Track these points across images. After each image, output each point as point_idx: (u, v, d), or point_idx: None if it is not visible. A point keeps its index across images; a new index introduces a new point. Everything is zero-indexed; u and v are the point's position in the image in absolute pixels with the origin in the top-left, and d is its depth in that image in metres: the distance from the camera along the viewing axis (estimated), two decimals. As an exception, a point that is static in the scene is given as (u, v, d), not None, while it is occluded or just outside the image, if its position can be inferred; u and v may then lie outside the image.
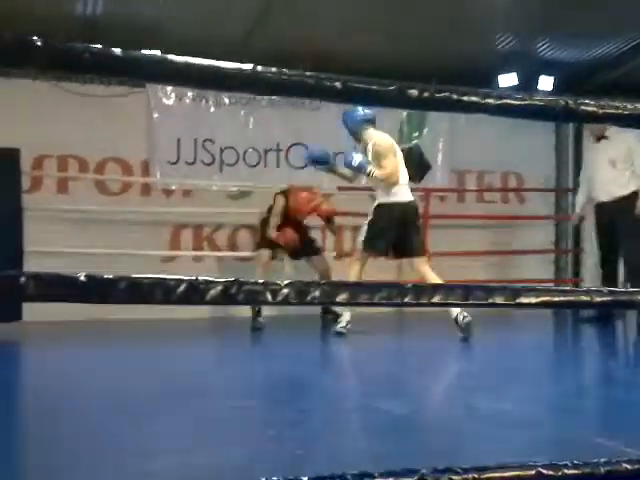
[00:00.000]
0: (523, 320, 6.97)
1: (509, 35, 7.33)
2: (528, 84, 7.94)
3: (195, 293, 1.29)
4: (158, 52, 1.36)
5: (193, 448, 2.25)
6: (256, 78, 1.35)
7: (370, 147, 5.48)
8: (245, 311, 6.33)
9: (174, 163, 7.47)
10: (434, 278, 5.21)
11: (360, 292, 1.35)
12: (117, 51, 1.25)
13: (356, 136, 5.62)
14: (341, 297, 1.33)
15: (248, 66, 1.33)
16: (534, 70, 8.05)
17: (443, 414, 2.99)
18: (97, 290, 1.25)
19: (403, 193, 5.47)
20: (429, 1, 6.49)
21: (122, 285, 1.26)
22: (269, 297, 1.32)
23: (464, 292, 1.37)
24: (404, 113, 8.12)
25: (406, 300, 1.35)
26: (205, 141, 7.57)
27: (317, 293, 1.33)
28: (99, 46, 1.24)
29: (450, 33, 6.97)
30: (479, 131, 7.76)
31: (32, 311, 5.54)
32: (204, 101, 7.60)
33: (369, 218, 5.52)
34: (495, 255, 8.12)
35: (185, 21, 6.59)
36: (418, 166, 8.15)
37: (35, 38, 1.22)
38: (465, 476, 1.28)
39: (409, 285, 1.36)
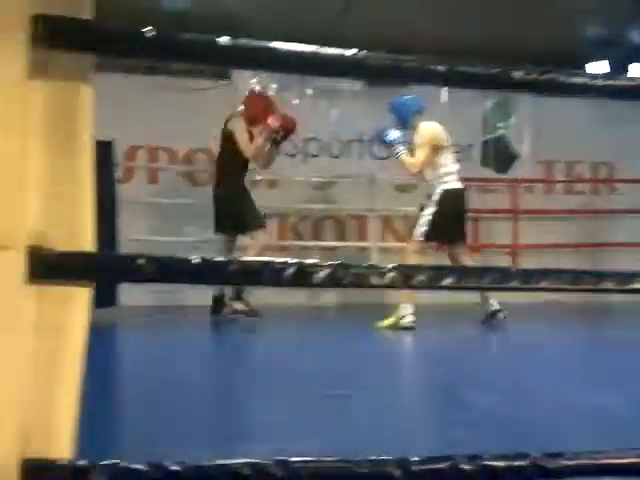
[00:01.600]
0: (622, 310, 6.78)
1: (600, 22, 7.11)
2: (618, 72, 7.69)
3: (303, 276, 1.31)
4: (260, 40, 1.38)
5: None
6: (359, 63, 1.35)
7: (417, 135, 5.57)
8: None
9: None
10: None
11: (466, 276, 1.34)
12: (224, 40, 1.28)
13: (405, 125, 5.65)
14: (447, 281, 1.33)
15: (351, 51, 1.33)
16: (624, 57, 7.79)
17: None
18: (209, 272, 1.28)
19: (455, 180, 5.56)
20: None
21: (233, 267, 1.29)
22: (375, 280, 1.33)
23: (573, 277, 1.35)
24: (489, 103, 7.99)
25: (513, 284, 1.33)
26: (289, 132, 7.64)
27: (422, 277, 1.33)
28: (207, 36, 1.27)
29: (539, 20, 6.81)
30: (567, 120, 7.56)
31: (126, 297, 5.77)
32: (287, 92, 7.66)
33: (432, 207, 5.48)
34: (585, 248, 7.90)
35: (268, 12, 6.65)
36: (504, 156, 8.02)
37: (147, 29, 1.26)
38: (578, 461, 1.27)
39: (516, 269, 1.35)
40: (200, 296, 5.87)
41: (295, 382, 3.32)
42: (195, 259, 1.27)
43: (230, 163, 5.84)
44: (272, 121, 5.85)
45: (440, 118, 7.57)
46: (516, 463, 1.33)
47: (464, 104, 7.47)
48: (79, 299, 1.26)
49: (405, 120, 5.66)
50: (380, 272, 1.32)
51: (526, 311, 5.72)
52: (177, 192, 7.10)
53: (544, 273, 1.34)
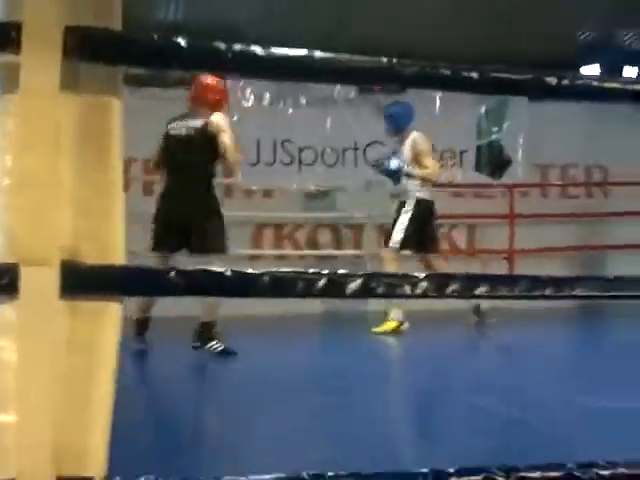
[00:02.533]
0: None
1: (591, 25, 7.15)
2: (611, 75, 7.73)
3: (335, 287, 1.30)
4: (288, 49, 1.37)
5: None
6: (389, 71, 1.35)
7: (410, 145, 5.61)
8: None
9: (254, 164, 7.55)
10: None
11: (500, 284, 1.33)
12: (258, 50, 1.27)
13: (401, 133, 5.70)
14: (480, 290, 1.32)
15: (383, 59, 1.33)
16: (617, 61, 7.83)
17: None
18: (242, 284, 1.27)
19: (429, 190, 5.70)
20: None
21: (265, 279, 1.27)
22: (408, 290, 1.32)
23: (606, 284, 1.34)
24: (483, 108, 8.02)
25: (547, 292, 1.32)
26: (284, 142, 7.65)
27: (456, 286, 1.32)
28: (241, 45, 1.26)
29: (530, 24, 6.83)
30: (561, 124, 7.59)
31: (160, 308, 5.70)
32: (282, 102, 7.67)
33: (409, 214, 5.55)
34: (580, 251, 7.91)
35: (264, 22, 6.65)
36: (498, 161, 8.04)
37: (180, 39, 1.25)
38: (614, 471, 1.26)
39: (549, 277, 1.34)
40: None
41: (304, 391, 3.31)
42: (226, 272, 1.26)
43: (206, 169, 4.85)
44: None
45: (434, 124, 7.63)
46: (551, 474, 1.32)
47: (458, 110, 7.49)
48: (111, 314, 1.24)
49: (401, 128, 5.69)
50: (413, 282, 1.31)
51: (526, 316, 5.71)
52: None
53: (576, 280, 1.34)
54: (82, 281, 1.20)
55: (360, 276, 1.32)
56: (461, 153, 8.01)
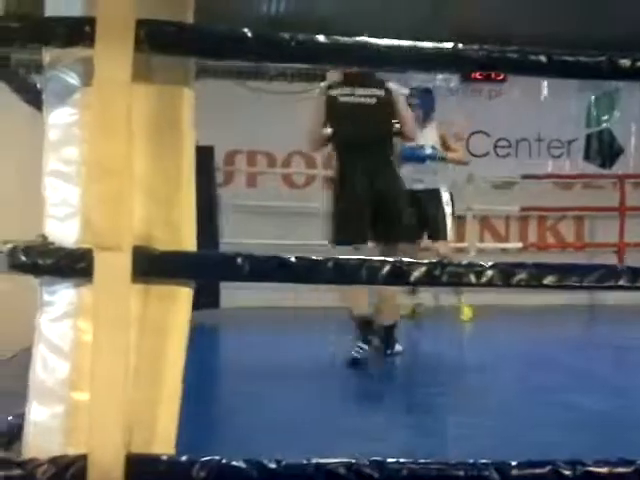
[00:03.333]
0: None
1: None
2: None
3: (399, 274, 1.30)
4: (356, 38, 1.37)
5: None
6: (458, 56, 1.33)
7: (436, 130, 5.48)
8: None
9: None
10: None
11: (570, 274, 1.29)
12: (321, 38, 1.28)
13: (430, 117, 5.55)
14: (549, 279, 1.28)
15: (448, 44, 1.31)
16: None
17: None
18: (306, 270, 1.29)
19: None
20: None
21: (329, 265, 1.29)
22: (473, 279, 1.30)
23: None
24: (592, 96, 7.73)
25: (620, 283, 1.27)
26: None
27: (523, 275, 1.29)
28: (307, 34, 1.27)
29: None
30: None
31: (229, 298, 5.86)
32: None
33: (450, 206, 5.46)
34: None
35: (359, 14, 6.63)
36: (609, 151, 7.73)
37: (246, 30, 1.28)
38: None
39: (624, 267, 1.29)
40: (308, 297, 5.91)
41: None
42: (291, 258, 1.28)
43: (390, 144, 4.26)
44: None
45: (541, 112, 7.40)
46: (620, 469, 1.27)
47: (566, 97, 7.26)
48: (181, 298, 1.29)
49: (430, 115, 5.60)
50: (477, 270, 1.29)
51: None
52: (275, 195, 7.18)
53: (654, 270, 1.28)
54: (153, 266, 1.25)
55: (425, 264, 1.31)
56: (569, 142, 7.75)
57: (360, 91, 4.15)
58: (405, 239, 4.03)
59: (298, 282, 1.33)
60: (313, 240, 6.92)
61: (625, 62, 1.28)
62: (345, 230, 4.00)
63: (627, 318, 5.71)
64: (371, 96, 4.15)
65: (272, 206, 7.08)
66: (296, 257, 1.27)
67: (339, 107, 4.13)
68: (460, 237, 7.56)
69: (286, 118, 7.13)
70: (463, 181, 7.31)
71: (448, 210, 5.48)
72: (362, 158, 3.99)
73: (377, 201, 3.99)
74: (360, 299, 4.03)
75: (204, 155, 6.08)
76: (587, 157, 7.76)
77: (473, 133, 7.58)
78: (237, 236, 6.59)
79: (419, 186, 5.33)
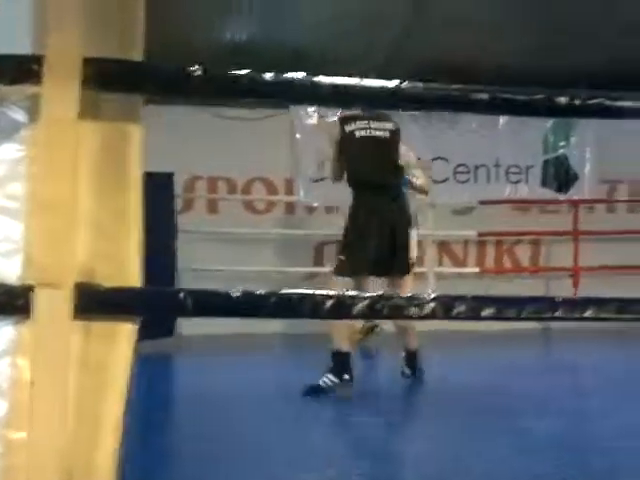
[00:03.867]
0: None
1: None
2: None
3: (342, 308, 1.32)
4: (304, 74, 1.40)
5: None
6: (401, 94, 1.37)
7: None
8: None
9: (317, 181, 7.62)
10: None
11: (507, 306, 1.33)
12: (268, 76, 1.31)
13: None
14: (487, 312, 1.32)
15: (393, 82, 1.35)
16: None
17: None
18: (249, 305, 1.30)
19: None
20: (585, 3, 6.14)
21: (272, 300, 1.30)
22: (414, 311, 1.33)
23: (619, 306, 1.32)
24: (549, 122, 7.90)
25: (557, 315, 1.31)
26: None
27: (463, 308, 1.32)
28: (254, 72, 1.30)
29: (612, 35, 6.61)
30: (629, 139, 7.39)
31: (188, 325, 5.80)
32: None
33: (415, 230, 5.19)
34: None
35: (328, 42, 6.72)
36: (565, 176, 7.89)
37: (194, 68, 1.30)
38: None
39: (560, 299, 1.33)
40: (266, 324, 5.88)
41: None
42: (235, 292, 1.29)
43: (400, 177, 4.34)
44: None
45: (499, 138, 7.54)
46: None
47: (524, 124, 7.40)
48: (124, 335, 1.29)
49: None
50: (419, 303, 1.32)
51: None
52: (236, 221, 7.18)
53: (587, 302, 1.32)
54: (96, 302, 1.26)
55: (367, 297, 1.33)
56: (527, 168, 7.90)
57: (375, 124, 4.22)
58: (407, 272, 4.18)
59: (242, 317, 1.34)
60: (274, 267, 6.96)
61: (562, 100, 1.32)
62: (350, 263, 4.07)
63: (578, 340, 5.79)
64: (384, 129, 4.23)
65: (233, 232, 7.08)
66: (240, 291, 1.28)
67: (356, 142, 4.18)
68: (419, 262, 7.64)
69: (247, 144, 7.17)
70: (424, 206, 7.41)
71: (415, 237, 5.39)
72: (377, 194, 4.11)
73: (386, 237, 4.09)
74: (343, 333, 4.05)
75: (163, 182, 6.08)
76: (544, 183, 7.90)
77: (433, 159, 7.68)
78: (198, 263, 6.57)
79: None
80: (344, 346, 4.04)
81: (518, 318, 1.31)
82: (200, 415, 3.30)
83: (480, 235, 7.33)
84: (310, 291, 1.33)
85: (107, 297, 1.26)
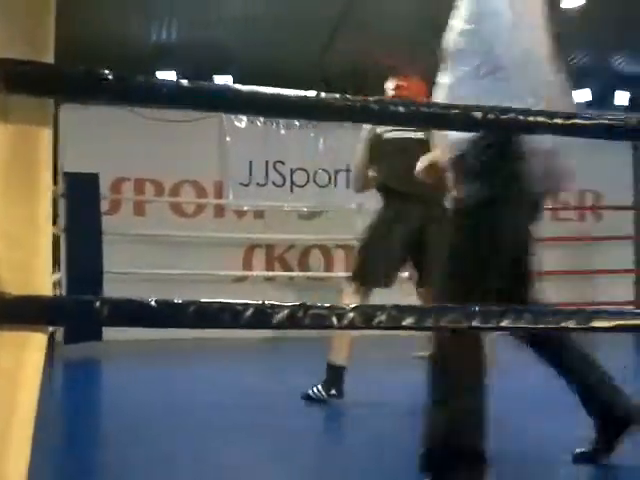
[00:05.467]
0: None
1: (583, 50, 7.17)
2: (603, 99, 7.76)
3: (262, 317, 1.31)
4: (226, 80, 1.39)
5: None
6: (320, 105, 1.37)
7: None
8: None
9: (246, 185, 7.59)
10: None
11: (426, 316, 1.34)
12: (185, 83, 1.29)
13: None
14: (407, 321, 1.33)
15: (312, 93, 1.34)
16: (609, 85, 7.87)
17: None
18: (166, 314, 1.28)
19: None
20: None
21: (191, 309, 1.28)
22: (335, 321, 1.33)
23: (534, 316, 1.35)
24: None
25: (474, 324, 1.33)
26: (276, 163, 7.69)
27: (383, 317, 1.33)
28: (168, 78, 1.28)
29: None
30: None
31: (113, 331, 5.66)
32: (275, 124, 7.71)
33: None
34: (571, 275, 7.89)
35: (257, 45, 6.70)
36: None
37: (107, 71, 1.27)
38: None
39: (476, 308, 1.35)
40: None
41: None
42: (152, 301, 1.26)
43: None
44: None
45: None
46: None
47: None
48: (34, 344, 1.25)
49: None
50: (339, 313, 1.32)
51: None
52: (163, 223, 7.08)
53: (504, 311, 1.34)
54: (4, 311, 1.21)
55: (287, 307, 1.32)
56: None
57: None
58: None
59: (159, 327, 1.31)
60: (202, 270, 6.89)
61: (477, 114, 1.34)
62: (370, 273, 3.82)
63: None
64: (414, 132, 3.83)
65: (160, 235, 6.98)
66: (156, 301, 1.26)
67: (383, 145, 3.89)
68: (348, 266, 7.68)
69: (175, 146, 7.09)
70: (353, 210, 7.47)
71: None
72: (407, 199, 3.74)
73: (418, 249, 3.77)
74: (343, 345, 3.79)
75: (88, 182, 5.95)
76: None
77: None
78: (124, 266, 6.45)
79: None
80: (340, 359, 3.78)
81: (437, 327, 1.32)
82: (120, 423, 3.23)
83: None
84: (230, 300, 1.31)
85: (16, 306, 1.21)
